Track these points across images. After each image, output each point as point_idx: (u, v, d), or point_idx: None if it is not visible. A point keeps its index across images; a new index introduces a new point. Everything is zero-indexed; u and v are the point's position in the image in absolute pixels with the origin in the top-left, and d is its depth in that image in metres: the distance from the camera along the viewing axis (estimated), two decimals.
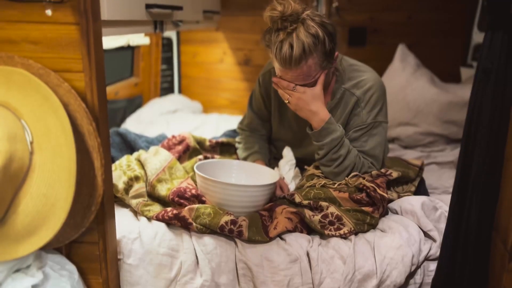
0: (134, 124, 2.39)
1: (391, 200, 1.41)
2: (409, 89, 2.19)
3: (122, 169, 1.46)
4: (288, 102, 1.41)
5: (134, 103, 2.54)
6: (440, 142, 2.09)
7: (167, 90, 3.00)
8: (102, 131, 1.04)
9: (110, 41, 2.14)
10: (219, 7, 2.65)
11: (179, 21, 1.73)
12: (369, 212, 1.28)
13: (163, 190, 1.39)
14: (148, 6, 1.34)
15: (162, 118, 2.53)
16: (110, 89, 2.29)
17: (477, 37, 2.72)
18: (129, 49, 2.56)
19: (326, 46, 1.32)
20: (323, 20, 1.33)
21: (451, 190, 1.56)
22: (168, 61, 2.97)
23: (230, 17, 2.85)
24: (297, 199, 1.35)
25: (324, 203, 1.31)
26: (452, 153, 1.95)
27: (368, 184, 1.33)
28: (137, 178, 1.43)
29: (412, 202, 1.32)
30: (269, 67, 1.63)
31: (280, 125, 1.66)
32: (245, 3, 2.83)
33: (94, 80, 1.01)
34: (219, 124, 2.56)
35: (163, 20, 1.55)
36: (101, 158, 0.99)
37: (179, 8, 1.57)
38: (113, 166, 1.47)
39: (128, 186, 1.41)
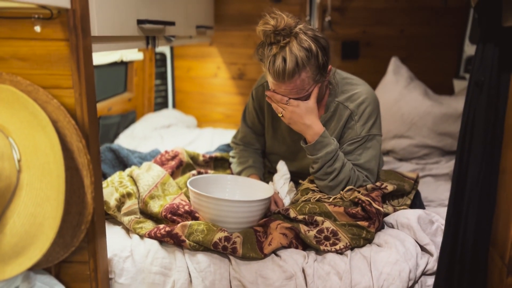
0: (127, 140, 2.37)
1: (386, 214, 1.39)
2: (402, 101, 2.19)
3: (114, 185, 1.43)
4: (282, 115, 1.41)
5: (127, 119, 2.52)
6: (435, 154, 2.08)
7: (161, 105, 2.99)
8: (92, 148, 1.02)
9: (103, 57, 2.13)
10: (213, 22, 2.66)
11: (172, 37, 1.72)
12: (365, 227, 1.26)
13: (155, 206, 1.37)
14: (139, 22, 1.33)
15: (156, 133, 2.51)
16: (103, 105, 2.27)
17: (469, 49, 2.74)
18: (123, 65, 2.56)
19: (319, 59, 1.32)
20: (316, 34, 1.33)
21: (447, 202, 1.55)
22: (162, 76, 2.97)
23: (224, 32, 2.87)
24: (292, 214, 1.34)
25: (319, 218, 1.29)
26: (447, 165, 1.94)
27: (363, 198, 1.32)
28: (129, 195, 1.41)
29: (408, 215, 1.30)
30: (262, 81, 1.63)
31: (274, 139, 1.65)
32: (238, 18, 2.85)
33: (84, 96, 0.99)
34: (213, 138, 2.55)
35: (156, 36, 1.54)
36: (91, 175, 0.97)
37: (172, 23, 1.56)
38: (105, 183, 1.45)
39: (120, 203, 1.39)
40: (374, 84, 2.29)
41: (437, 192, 1.67)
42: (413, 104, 2.16)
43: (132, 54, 2.45)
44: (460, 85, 2.74)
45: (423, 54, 2.83)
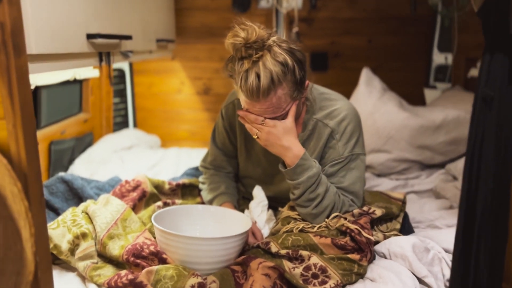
0: (84, 165, 2.15)
1: (376, 242, 1.26)
2: (377, 114, 2.10)
3: (66, 225, 1.24)
4: (257, 137, 1.26)
5: (83, 142, 2.30)
6: (414, 168, 1.99)
7: (121, 124, 2.79)
8: (32, 190, 0.83)
9: (53, 76, 1.92)
10: (174, 35, 2.50)
11: (129, 52, 1.55)
12: (356, 260, 1.13)
13: (115, 248, 1.18)
14: (89, 36, 1.15)
15: (116, 156, 2.31)
16: (55, 128, 2.06)
17: (438, 58, 2.72)
18: (77, 83, 2.34)
19: (296, 74, 1.19)
20: (291, 47, 1.20)
21: (436, 223, 1.46)
22: (121, 93, 2.77)
23: (186, 45, 2.74)
24: (274, 248, 1.18)
25: (305, 253, 1.14)
26: (429, 180, 1.86)
27: (351, 226, 1.18)
28: (84, 235, 1.21)
29: (401, 244, 1.18)
30: (232, 98, 1.48)
31: (247, 161, 1.50)
32: (201, 31, 2.71)
33: (19, 128, 0.81)
34: (179, 159, 2.38)
35: (110, 51, 1.37)
36: (30, 225, 0.78)
37: (128, 37, 1.39)
38: (55, 222, 1.24)
39: (74, 246, 1.20)
40: (345, 96, 2.19)
41: (424, 211, 1.57)
42: (388, 116, 2.07)
43: (87, 71, 2.24)
44: (431, 94, 2.70)
45: (391, 64, 2.79)
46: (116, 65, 2.69)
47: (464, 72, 2.49)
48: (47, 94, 2.03)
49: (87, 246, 1.20)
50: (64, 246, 1.18)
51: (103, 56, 1.32)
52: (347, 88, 2.45)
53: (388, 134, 2.03)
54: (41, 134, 1.94)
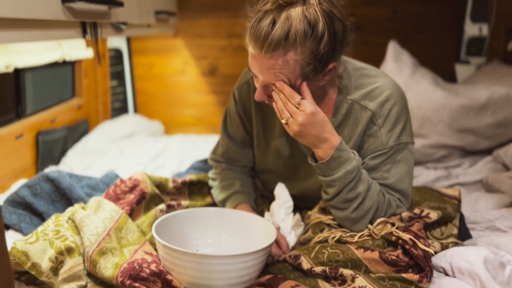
0: (78, 157, 1.92)
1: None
2: (410, 94, 1.83)
3: (48, 238, 1.00)
4: (286, 123, 1.00)
5: (77, 130, 2.06)
6: (455, 156, 1.73)
7: (120, 110, 2.55)
8: None
9: (37, 56, 1.66)
10: (175, 7, 2.23)
11: (122, 24, 1.28)
12: (414, 281, 0.88)
13: (108, 267, 0.94)
14: None
15: (114, 146, 2.07)
16: (43, 116, 1.81)
17: (471, 29, 2.43)
18: (69, 65, 2.09)
19: (320, 46, 0.93)
20: (334, 11, 0.94)
21: (498, 225, 1.20)
22: (118, 75, 2.52)
23: (190, 20, 2.49)
24: (305, 263, 0.95)
25: (347, 272, 0.90)
26: (475, 170, 1.60)
27: (404, 236, 0.93)
28: (70, 251, 0.98)
29: (468, 257, 0.93)
30: (246, 77, 1.23)
31: (266, 152, 1.25)
32: (206, 3, 2.44)
33: None
34: (184, 148, 2.14)
35: (97, 22, 1.10)
36: None
37: (119, 4, 1.12)
38: (34, 235, 1.01)
39: (58, 264, 0.97)
40: None
41: (478, 208, 1.32)
42: (423, 96, 1.80)
43: (78, 51, 1.98)
44: (463, 70, 2.42)
45: (419, 37, 2.52)
46: (112, 44, 2.44)
47: (504, 45, 2.20)
48: (32, 78, 1.78)
49: (73, 264, 0.97)
50: (45, 264, 0.95)
51: (87, 27, 1.06)
52: None
53: (424, 115, 1.76)
54: (27, 123, 1.70)
